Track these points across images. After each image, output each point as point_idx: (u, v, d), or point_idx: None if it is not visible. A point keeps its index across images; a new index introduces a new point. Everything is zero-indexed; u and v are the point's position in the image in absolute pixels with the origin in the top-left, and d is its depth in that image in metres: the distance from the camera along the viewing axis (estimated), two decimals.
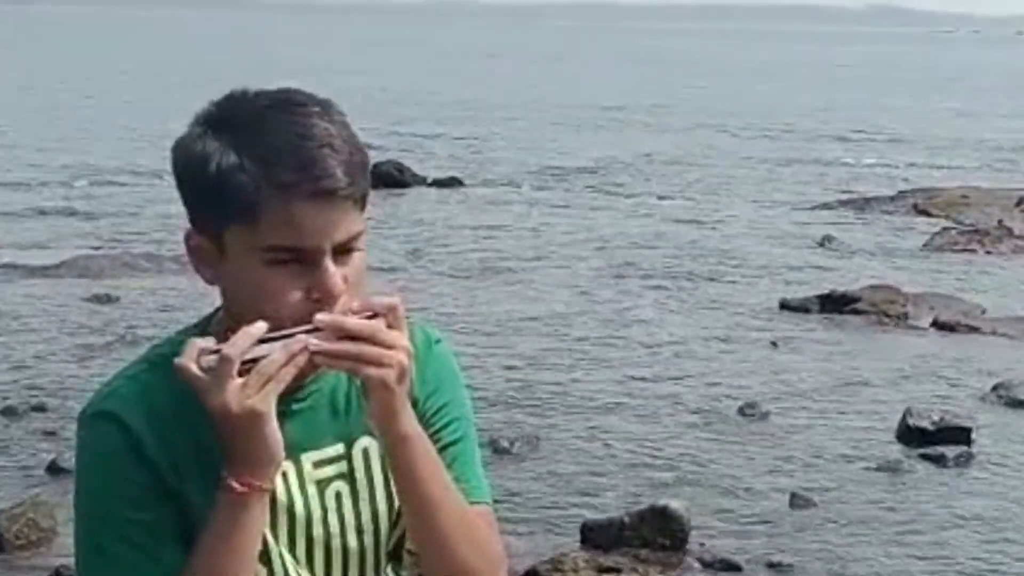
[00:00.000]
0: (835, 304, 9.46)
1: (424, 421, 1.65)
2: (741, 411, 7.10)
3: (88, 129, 21.60)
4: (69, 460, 5.78)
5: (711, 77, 41.39)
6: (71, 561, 5.27)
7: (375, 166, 16.16)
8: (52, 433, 6.50)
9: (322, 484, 1.67)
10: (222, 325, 1.62)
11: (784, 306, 9.58)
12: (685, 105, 29.04)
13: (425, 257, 11.33)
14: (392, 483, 1.68)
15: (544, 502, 5.86)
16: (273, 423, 1.55)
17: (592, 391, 7.47)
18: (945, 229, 12.83)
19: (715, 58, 58.65)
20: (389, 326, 1.57)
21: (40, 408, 6.87)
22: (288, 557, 1.65)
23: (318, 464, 1.67)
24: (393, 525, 1.71)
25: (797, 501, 5.85)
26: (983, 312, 9.59)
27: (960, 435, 6.62)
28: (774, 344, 8.57)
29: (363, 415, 1.65)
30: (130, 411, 1.60)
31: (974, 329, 9.03)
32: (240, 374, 1.52)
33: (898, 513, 5.82)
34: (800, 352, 8.43)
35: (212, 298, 1.67)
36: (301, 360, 1.54)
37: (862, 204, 14.73)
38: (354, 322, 1.55)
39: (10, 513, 5.34)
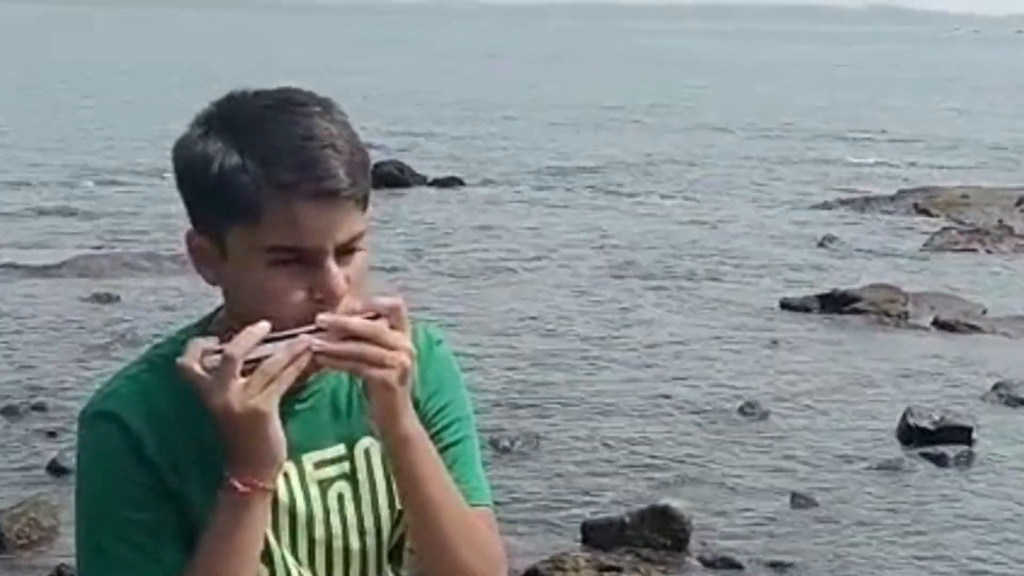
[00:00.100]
0: (836, 304, 9.46)
1: (425, 422, 1.65)
2: (742, 410, 7.10)
3: (88, 129, 21.60)
4: (70, 459, 5.78)
5: (711, 77, 41.39)
6: (72, 560, 5.24)
7: (376, 166, 16.12)
8: (53, 433, 6.50)
9: (324, 485, 1.67)
10: (223, 325, 1.62)
11: (785, 306, 9.58)
12: (685, 105, 29.04)
13: (425, 257, 11.33)
14: (393, 483, 1.68)
15: (545, 501, 5.86)
16: (276, 423, 1.55)
17: (593, 391, 7.47)
18: (945, 229, 12.83)
19: (715, 58, 58.66)
20: (392, 327, 1.57)
21: (41, 407, 6.87)
22: (290, 558, 1.65)
23: (320, 465, 1.67)
24: (395, 526, 1.71)
25: (798, 500, 5.85)
26: (984, 311, 9.59)
27: (961, 434, 6.62)
28: (775, 344, 8.57)
29: (364, 416, 1.65)
30: (130, 411, 1.60)
31: (975, 328, 9.03)
32: (243, 374, 1.52)
33: (899, 512, 5.83)
34: (801, 352, 8.43)
35: (212, 298, 1.67)
36: (304, 360, 1.54)
37: (862, 204, 14.73)
38: (357, 322, 1.55)
39: (11, 512, 5.34)
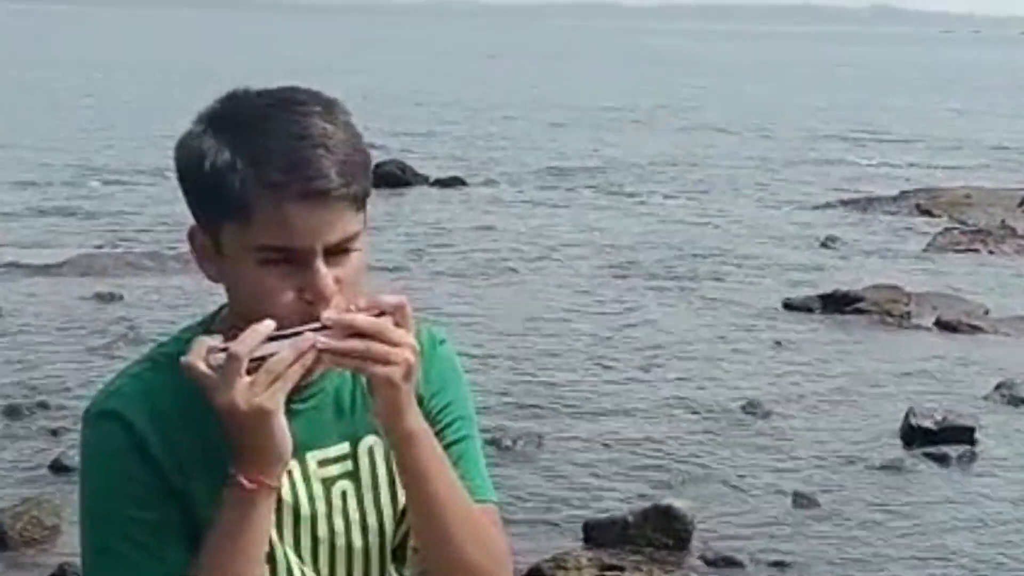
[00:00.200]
0: (838, 304, 9.45)
1: (428, 420, 1.65)
2: (744, 410, 7.10)
3: (90, 128, 21.61)
4: (72, 458, 5.78)
5: (713, 77, 41.38)
6: (74, 559, 5.24)
7: (377, 166, 16.15)
8: (55, 431, 6.50)
9: (327, 483, 1.67)
10: (227, 323, 1.62)
11: (787, 306, 9.58)
12: (687, 105, 29.03)
13: (427, 256, 11.33)
14: (397, 481, 1.68)
15: (547, 501, 5.86)
16: (282, 421, 1.54)
17: (595, 390, 7.47)
18: (948, 229, 12.82)
19: (717, 58, 58.64)
20: (396, 324, 1.57)
21: (43, 406, 6.87)
22: (293, 556, 1.65)
23: (323, 463, 1.67)
24: (398, 524, 1.71)
25: (800, 500, 5.85)
26: (986, 312, 9.59)
27: (963, 434, 6.62)
28: (777, 344, 8.57)
29: (368, 414, 1.65)
30: (133, 410, 1.60)
31: (977, 329, 9.02)
32: (248, 372, 1.52)
33: (901, 512, 5.82)
34: (803, 352, 8.43)
35: (215, 297, 1.67)
36: (309, 358, 1.54)
37: (865, 204, 14.73)
38: (362, 319, 1.55)
39: (14, 511, 5.34)
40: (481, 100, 29.64)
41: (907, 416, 6.76)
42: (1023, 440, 6.83)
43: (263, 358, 1.52)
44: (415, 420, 1.60)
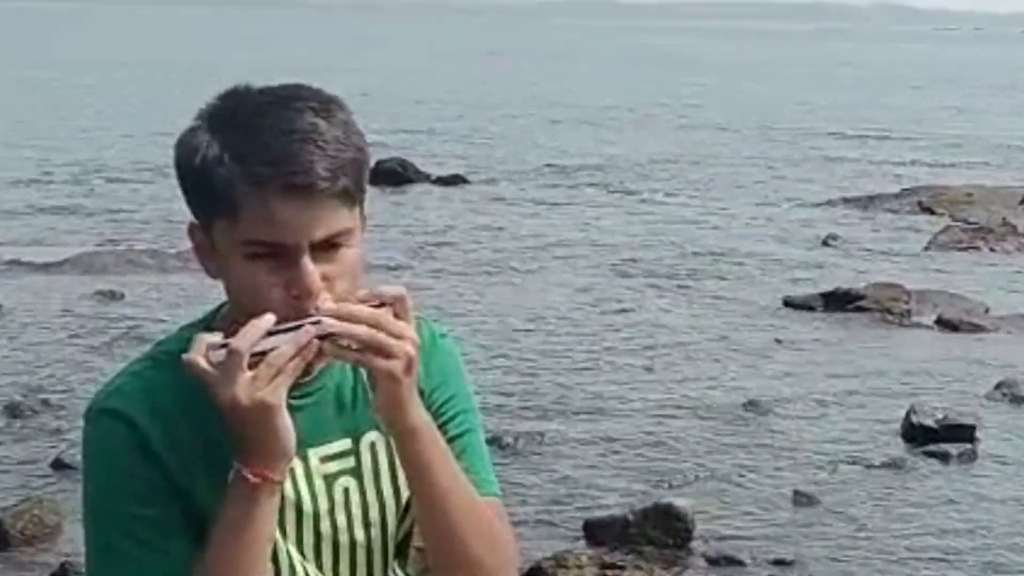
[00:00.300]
0: (839, 302, 9.45)
1: (431, 414, 1.65)
2: (745, 408, 7.10)
3: (90, 127, 21.61)
4: (73, 456, 5.78)
5: (714, 75, 41.37)
6: (75, 557, 5.24)
7: (378, 163, 16.15)
8: (56, 430, 6.50)
9: (329, 479, 1.67)
10: (227, 320, 1.62)
11: (788, 304, 9.58)
12: (688, 103, 29.02)
13: (429, 254, 11.33)
14: (399, 477, 1.68)
15: (548, 499, 5.86)
16: (284, 415, 1.55)
17: (596, 389, 7.47)
18: (949, 227, 12.81)
19: (717, 56, 58.63)
20: (396, 316, 1.57)
21: (44, 404, 6.87)
22: (295, 553, 1.65)
23: (325, 459, 1.67)
24: (400, 520, 1.71)
25: (801, 498, 5.85)
26: (987, 310, 9.58)
27: (964, 433, 6.62)
28: (778, 342, 8.57)
29: (370, 410, 1.65)
30: (135, 407, 1.60)
31: (978, 327, 9.02)
32: (249, 367, 1.52)
33: (902, 510, 5.82)
34: (804, 350, 8.42)
35: (216, 295, 1.67)
36: (310, 352, 1.54)
37: (866, 202, 14.72)
38: (360, 309, 1.55)
39: (14, 510, 5.34)
40: (482, 98, 29.63)
41: (908, 414, 6.76)
42: None
43: (264, 353, 1.52)
44: (417, 414, 1.60)
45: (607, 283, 10.34)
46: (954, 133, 23.57)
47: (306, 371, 1.58)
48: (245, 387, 1.52)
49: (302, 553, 1.66)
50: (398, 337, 1.55)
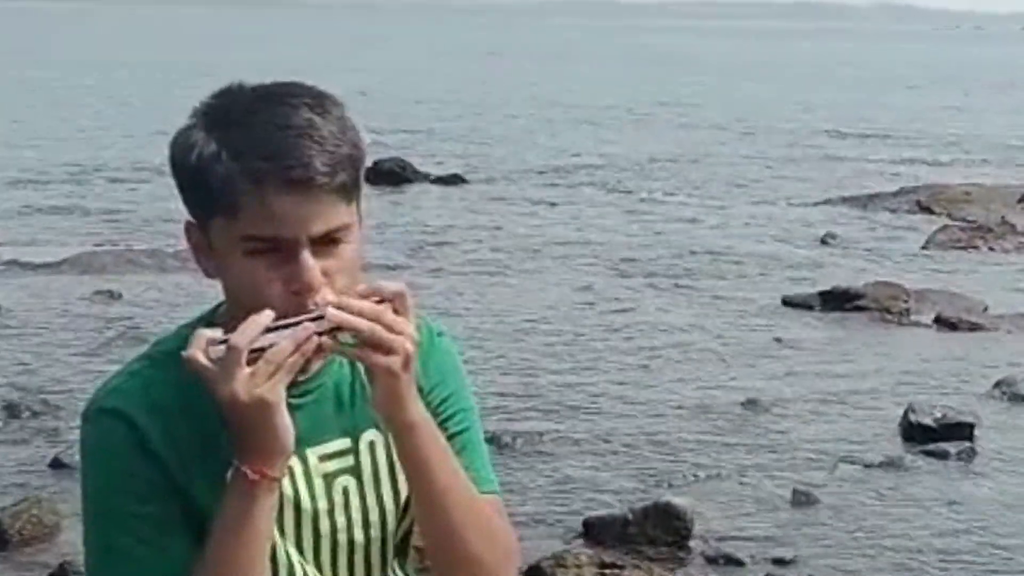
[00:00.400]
0: (837, 301, 9.45)
1: (429, 412, 1.65)
2: (743, 407, 7.10)
3: (89, 127, 21.60)
4: (72, 456, 5.78)
5: (713, 75, 41.36)
6: (74, 557, 5.23)
7: (377, 163, 16.14)
8: (55, 430, 6.50)
9: (329, 478, 1.67)
10: (225, 318, 1.62)
11: (786, 303, 9.58)
12: (687, 103, 29.01)
13: (427, 254, 11.33)
14: (399, 476, 1.68)
15: (546, 498, 5.86)
16: (283, 412, 1.55)
17: (595, 388, 7.47)
18: (948, 226, 12.81)
19: (716, 56, 58.63)
20: (395, 312, 1.57)
21: (43, 404, 6.87)
22: (294, 552, 1.65)
23: (324, 458, 1.67)
24: (400, 519, 1.71)
25: (799, 497, 5.85)
26: (985, 309, 9.58)
27: (962, 431, 6.62)
28: (777, 341, 8.57)
29: (369, 408, 1.65)
30: (133, 406, 1.60)
31: (976, 325, 9.02)
32: (248, 363, 1.52)
33: (900, 509, 5.82)
34: (802, 349, 8.43)
35: (214, 295, 1.67)
36: (309, 349, 1.54)
37: (865, 201, 14.71)
38: (360, 304, 1.55)
39: (13, 510, 5.34)
40: (481, 98, 29.63)
41: (906, 413, 6.76)
42: (1022, 437, 6.83)
43: (262, 349, 1.52)
44: (416, 410, 1.60)
45: (606, 282, 10.34)
46: (953, 132, 23.57)
47: (304, 369, 1.58)
48: (244, 383, 1.51)
49: (301, 552, 1.66)
50: (397, 333, 1.55)
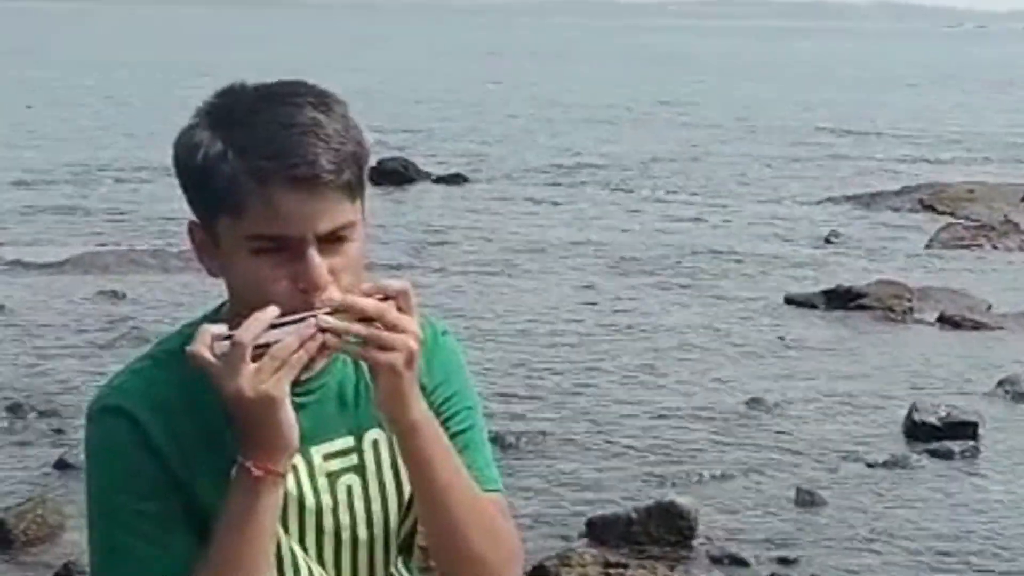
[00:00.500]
0: (841, 299, 9.45)
1: (433, 411, 1.65)
2: (747, 406, 7.09)
3: (91, 127, 21.61)
4: (76, 457, 5.78)
5: (714, 74, 41.36)
6: (78, 558, 5.22)
7: (380, 162, 16.13)
8: (59, 430, 6.50)
9: (332, 477, 1.67)
10: (228, 317, 1.62)
11: (790, 301, 9.57)
12: (688, 102, 29.01)
13: (430, 253, 11.33)
14: (402, 474, 1.68)
15: (550, 498, 5.86)
16: (287, 408, 1.55)
17: (598, 387, 7.47)
18: (951, 224, 12.80)
19: (717, 55, 58.62)
20: (399, 310, 1.57)
21: (47, 405, 6.87)
22: (298, 549, 1.65)
23: (328, 457, 1.67)
24: (403, 518, 1.71)
25: (803, 496, 5.85)
26: (989, 307, 9.58)
27: (966, 430, 6.62)
28: (780, 340, 8.56)
29: (372, 407, 1.65)
30: (136, 404, 1.60)
31: (980, 324, 9.01)
32: (252, 360, 1.52)
33: (904, 508, 5.82)
34: (806, 347, 8.42)
35: (217, 293, 1.67)
36: (313, 345, 1.54)
37: (868, 199, 14.71)
38: (363, 302, 1.55)
39: (17, 510, 5.34)
40: (482, 98, 29.63)
41: (910, 412, 6.76)
42: None
43: (267, 345, 1.52)
44: (419, 408, 1.60)
45: (608, 281, 10.34)
46: (954, 130, 23.56)
47: (308, 367, 1.58)
48: (249, 379, 1.51)
49: (305, 550, 1.66)
50: (400, 331, 1.55)
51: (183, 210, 1.62)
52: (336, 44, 61.63)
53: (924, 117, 26.01)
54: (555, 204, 14.44)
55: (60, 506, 5.39)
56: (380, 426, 1.68)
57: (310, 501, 1.65)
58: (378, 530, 1.69)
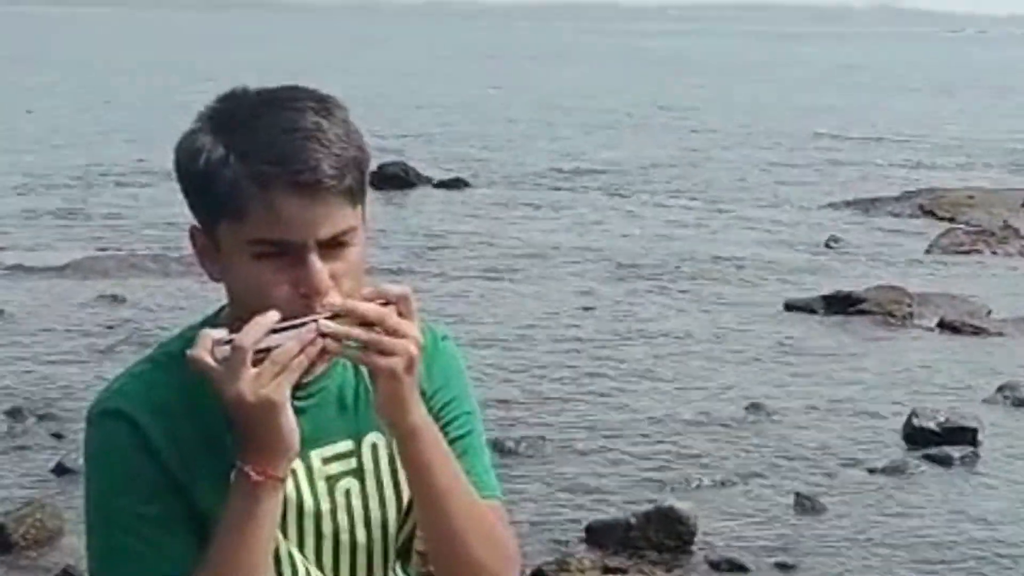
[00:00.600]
0: (841, 305, 9.45)
1: (432, 416, 1.65)
2: (746, 411, 7.09)
3: (91, 131, 21.62)
4: (75, 461, 5.78)
5: (714, 78, 41.38)
6: (77, 562, 5.22)
7: (380, 167, 16.13)
8: (58, 434, 6.50)
9: (331, 480, 1.67)
10: (228, 321, 1.62)
11: (790, 307, 9.57)
12: (688, 106, 29.02)
13: (429, 258, 11.33)
14: (401, 479, 1.68)
15: (549, 503, 5.86)
16: (288, 412, 1.55)
17: (597, 392, 7.46)
18: (951, 229, 12.81)
19: (717, 59, 58.66)
20: (400, 314, 1.57)
21: (46, 408, 6.87)
22: (297, 553, 1.65)
23: (327, 460, 1.67)
24: (402, 522, 1.71)
25: (803, 502, 5.84)
26: (989, 313, 9.58)
27: (966, 436, 6.61)
28: (780, 345, 8.56)
29: (371, 411, 1.65)
30: (136, 407, 1.61)
31: (980, 330, 9.01)
32: (253, 364, 1.52)
33: (903, 514, 5.82)
34: (805, 353, 8.42)
35: (217, 297, 1.67)
36: (313, 350, 1.54)
37: (868, 205, 14.72)
38: (364, 306, 1.55)
39: (17, 514, 5.34)
40: (483, 102, 29.65)
41: (909, 417, 6.76)
42: None
43: (268, 350, 1.52)
44: (418, 413, 1.60)
45: (608, 287, 10.34)
46: (954, 136, 23.57)
47: (308, 371, 1.58)
48: (250, 383, 1.52)
49: (304, 554, 1.66)
50: (401, 336, 1.55)
51: (184, 214, 1.62)
52: (335, 47, 61.66)
53: (924, 122, 26.02)
54: (555, 209, 14.44)
55: (59, 510, 5.39)
56: (379, 430, 1.68)
57: (309, 505, 1.65)
58: (376, 534, 1.69)
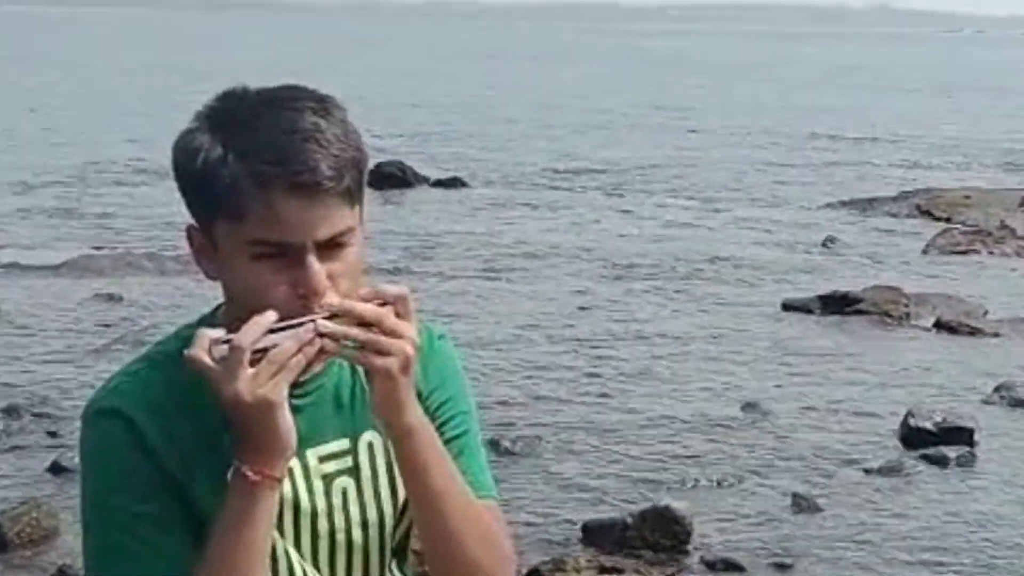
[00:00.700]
0: (837, 305, 9.45)
1: (428, 416, 1.66)
2: (743, 411, 7.10)
3: (88, 130, 21.61)
4: (71, 460, 5.77)
5: (713, 78, 41.39)
6: (73, 561, 5.22)
7: (377, 166, 16.14)
8: (54, 433, 6.50)
9: (328, 479, 1.67)
10: (225, 320, 1.62)
11: (786, 307, 9.58)
12: (686, 106, 29.03)
13: (427, 257, 11.33)
14: (397, 478, 1.68)
15: (546, 502, 5.86)
16: (286, 412, 1.55)
17: (594, 391, 7.47)
18: (948, 230, 12.82)
19: (716, 59, 58.66)
20: (397, 315, 1.57)
21: (42, 407, 6.87)
22: (293, 552, 1.65)
23: (323, 459, 1.67)
24: (398, 521, 1.71)
25: (799, 501, 5.85)
26: (985, 313, 9.58)
27: (962, 436, 6.62)
28: (776, 345, 8.57)
29: (368, 410, 1.65)
30: (132, 406, 1.60)
31: (976, 330, 9.02)
32: (251, 364, 1.52)
33: (900, 514, 5.82)
34: (802, 353, 8.42)
35: (213, 296, 1.67)
36: (311, 350, 1.55)
37: (865, 205, 14.72)
38: (362, 307, 1.56)
39: (12, 513, 5.33)
40: (481, 101, 29.65)
41: (906, 417, 6.76)
42: (1022, 441, 6.83)
43: (265, 350, 1.53)
44: (414, 413, 1.60)
45: (605, 287, 10.34)
46: (953, 136, 23.58)
47: (304, 370, 1.59)
48: (247, 383, 1.52)
49: (300, 552, 1.66)
50: (398, 336, 1.55)
51: (180, 213, 1.62)
52: (334, 47, 61.63)
53: (922, 122, 26.03)
54: (553, 209, 14.44)
55: (55, 509, 5.38)
56: (376, 429, 1.68)
57: (305, 504, 1.65)
58: (373, 533, 1.69)
